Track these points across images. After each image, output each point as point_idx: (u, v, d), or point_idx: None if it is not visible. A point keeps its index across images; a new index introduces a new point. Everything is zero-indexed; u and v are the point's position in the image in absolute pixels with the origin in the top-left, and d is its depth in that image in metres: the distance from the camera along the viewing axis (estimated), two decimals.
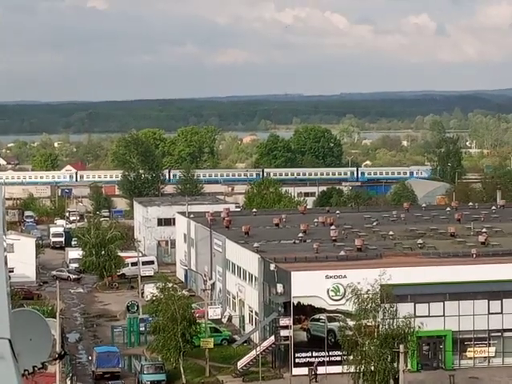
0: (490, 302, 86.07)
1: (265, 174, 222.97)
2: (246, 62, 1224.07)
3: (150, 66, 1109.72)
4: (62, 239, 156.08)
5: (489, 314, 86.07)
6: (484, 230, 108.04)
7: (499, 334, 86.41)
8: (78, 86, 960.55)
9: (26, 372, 6.30)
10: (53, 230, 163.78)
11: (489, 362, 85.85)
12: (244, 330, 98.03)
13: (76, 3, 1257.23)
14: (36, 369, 6.67)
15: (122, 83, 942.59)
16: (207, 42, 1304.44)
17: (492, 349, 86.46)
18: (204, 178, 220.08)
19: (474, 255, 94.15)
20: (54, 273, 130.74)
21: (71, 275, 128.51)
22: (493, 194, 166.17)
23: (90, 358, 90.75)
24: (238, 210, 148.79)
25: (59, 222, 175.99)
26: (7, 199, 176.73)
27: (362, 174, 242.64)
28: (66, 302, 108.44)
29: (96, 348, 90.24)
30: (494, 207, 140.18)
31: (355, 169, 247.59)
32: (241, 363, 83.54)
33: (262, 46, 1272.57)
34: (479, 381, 77.62)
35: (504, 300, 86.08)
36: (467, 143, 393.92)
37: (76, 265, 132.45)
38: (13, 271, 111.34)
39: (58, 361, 70.50)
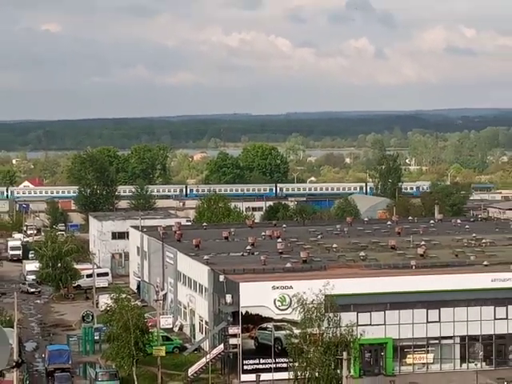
0: (429, 311, 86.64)
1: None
2: (195, 83, 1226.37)
3: (103, 87, 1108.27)
4: (20, 252, 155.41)
5: (427, 322, 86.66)
6: (423, 242, 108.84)
7: (437, 341, 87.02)
8: (33, 105, 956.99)
9: None
10: (10, 243, 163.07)
11: (427, 368, 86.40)
12: (194, 338, 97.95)
13: (30, 26, 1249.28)
14: None
15: (77, 103, 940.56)
16: (157, 64, 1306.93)
17: (430, 355, 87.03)
18: (158, 194, 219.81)
19: (414, 267, 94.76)
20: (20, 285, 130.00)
21: (29, 288, 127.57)
22: (431, 208, 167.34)
23: (42, 355, 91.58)
24: (189, 223, 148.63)
25: (17, 235, 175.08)
26: None
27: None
28: (23, 312, 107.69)
29: (48, 346, 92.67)
30: (432, 221, 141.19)
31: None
32: (191, 370, 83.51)
33: (210, 68, 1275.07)
34: None
35: (442, 309, 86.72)
36: (407, 160, 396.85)
37: (33, 277, 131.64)
38: None
39: (15, 369, 70.07)
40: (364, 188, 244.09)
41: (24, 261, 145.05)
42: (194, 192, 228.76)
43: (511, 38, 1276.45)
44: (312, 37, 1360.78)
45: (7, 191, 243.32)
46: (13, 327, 77.49)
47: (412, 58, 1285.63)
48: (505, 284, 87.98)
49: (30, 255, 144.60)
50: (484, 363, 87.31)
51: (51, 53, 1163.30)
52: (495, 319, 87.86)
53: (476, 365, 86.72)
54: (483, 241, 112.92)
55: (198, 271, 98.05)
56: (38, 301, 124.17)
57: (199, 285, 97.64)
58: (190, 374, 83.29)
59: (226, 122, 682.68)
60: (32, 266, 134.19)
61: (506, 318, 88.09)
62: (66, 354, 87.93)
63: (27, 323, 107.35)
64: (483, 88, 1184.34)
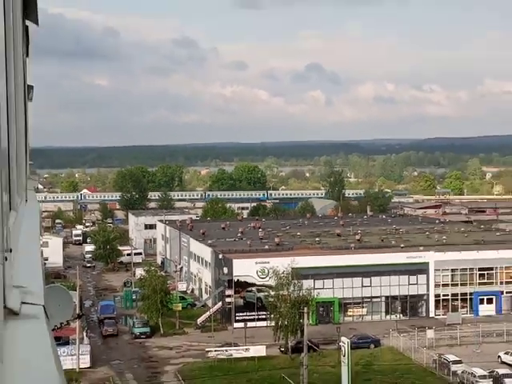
0: (363, 279, 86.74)
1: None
2: (201, 121, 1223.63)
3: (138, 124, 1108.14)
4: (81, 238, 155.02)
5: (362, 286, 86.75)
6: (359, 231, 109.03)
7: (369, 300, 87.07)
8: (92, 136, 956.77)
9: (56, 327, 6.23)
10: (74, 232, 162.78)
11: (362, 318, 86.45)
12: (202, 297, 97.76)
13: (88, 81, 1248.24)
14: (62, 325, 6.63)
15: (120, 134, 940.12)
16: (175, 108, 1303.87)
17: (364, 309, 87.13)
18: (176, 198, 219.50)
19: (353, 248, 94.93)
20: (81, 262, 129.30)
21: (87, 264, 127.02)
22: (365, 207, 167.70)
23: (96, 308, 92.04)
24: (198, 219, 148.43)
25: (78, 226, 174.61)
26: (44, 211, 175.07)
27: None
28: (82, 280, 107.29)
29: (100, 302, 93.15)
30: (365, 216, 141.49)
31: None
32: (200, 320, 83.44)
33: (212, 110, 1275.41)
34: (356, 330, 77.96)
35: (372, 278, 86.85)
36: (348, 175, 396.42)
37: (90, 255, 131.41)
38: (47, 259, 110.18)
39: (77, 319, 69.89)
40: (318, 193, 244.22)
41: (83, 244, 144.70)
42: (211, 196, 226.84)
43: (419, 90, 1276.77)
44: (282, 89, 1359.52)
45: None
46: (75, 290, 77.35)
47: (351, 104, 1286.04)
48: (415, 260, 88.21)
49: (87, 240, 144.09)
50: (401, 315, 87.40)
51: (103, 100, 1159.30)
52: (409, 284, 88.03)
53: (396, 316, 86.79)
54: (400, 230, 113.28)
55: (204, 251, 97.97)
56: (93, 272, 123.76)
57: (205, 261, 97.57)
58: (198, 323, 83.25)
59: (223, 148, 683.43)
60: (89, 247, 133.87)
61: (416, 284, 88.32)
62: (112, 308, 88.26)
63: (86, 287, 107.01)
64: (401, 124, 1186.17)
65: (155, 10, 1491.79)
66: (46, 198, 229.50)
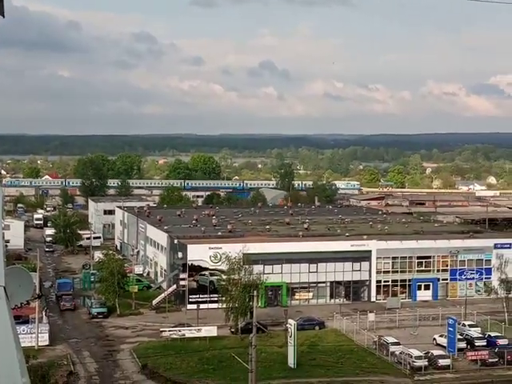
0: (310, 264, 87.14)
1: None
2: (160, 112, 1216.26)
3: (99, 114, 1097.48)
4: (42, 222, 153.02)
5: (309, 272, 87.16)
6: (307, 220, 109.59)
7: (315, 285, 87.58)
8: (54, 125, 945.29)
9: (16, 306, 6.12)
10: (36, 216, 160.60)
11: (308, 302, 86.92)
12: (157, 280, 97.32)
13: (51, 72, 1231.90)
14: (23, 304, 6.52)
15: (82, 124, 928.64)
16: (135, 100, 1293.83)
17: (310, 294, 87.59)
18: (133, 185, 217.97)
19: (301, 236, 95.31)
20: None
21: (46, 248, 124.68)
22: (313, 198, 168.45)
23: (53, 285, 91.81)
24: (155, 205, 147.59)
25: (40, 211, 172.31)
26: (6, 196, 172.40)
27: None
28: (43, 262, 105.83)
29: (57, 280, 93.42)
30: (313, 206, 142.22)
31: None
32: (155, 301, 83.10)
33: (170, 103, 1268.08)
34: (302, 313, 78.42)
35: (318, 264, 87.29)
36: (297, 167, 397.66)
37: (50, 238, 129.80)
38: (9, 242, 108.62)
39: (37, 299, 69.04)
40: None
41: (44, 228, 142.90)
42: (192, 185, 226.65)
43: (365, 89, 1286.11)
44: (237, 85, 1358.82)
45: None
46: (36, 271, 76.41)
47: (301, 101, 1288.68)
48: (359, 248, 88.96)
49: (48, 224, 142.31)
50: (345, 299, 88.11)
51: (65, 90, 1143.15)
52: (353, 271, 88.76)
53: (340, 300, 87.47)
54: (345, 220, 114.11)
55: (160, 236, 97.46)
56: (54, 255, 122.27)
57: (161, 245, 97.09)
58: (153, 304, 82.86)
59: (180, 139, 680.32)
60: (50, 231, 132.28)
61: (360, 270, 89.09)
62: (69, 285, 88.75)
63: (46, 269, 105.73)
64: (348, 121, 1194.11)
65: (116, 6, 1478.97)
66: (8, 182, 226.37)
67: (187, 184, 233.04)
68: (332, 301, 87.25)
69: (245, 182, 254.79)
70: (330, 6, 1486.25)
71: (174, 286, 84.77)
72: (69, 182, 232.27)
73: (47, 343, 67.21)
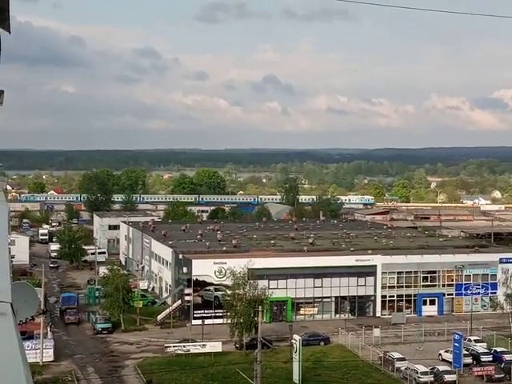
0: (315, 279, 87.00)
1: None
2: (164, 127, 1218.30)
3: (103, 129, 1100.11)
4: (47, 237, 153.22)
5: (314, 287, 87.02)
6: (312, 235, 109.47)
7: (320, 300, 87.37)
8: (59, 140, 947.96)
9: (21, 322, 6.19)
10: (41, 231, 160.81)
11: (313, 317, 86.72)
12: (162, 295, 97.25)
13: (55, 87, 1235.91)
14: (27, 320, 6.59)
15: (86, 139, 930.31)
16: (139, 115, 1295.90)
17: (315, 309, 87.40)
18: (138, 200, 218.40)
19: (306, 251, 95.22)
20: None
21: (51, 264, 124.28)
22: (318, 213, 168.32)
23: (58, 301, 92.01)
24: (160, 220, 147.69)
25: (45, 226, 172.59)
26: (12, 211, 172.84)
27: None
28: (48, 277, 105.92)
29: (62, 294, 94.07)
30: (318, 221, 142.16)
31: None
32: (160, 317, 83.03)
33: (175, 118, 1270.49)
34: (307, 328, 78.26)
35: (323, 279, 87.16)
36: (302, 181, 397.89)
37: (55, 254, 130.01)
38: (14, 257, 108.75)
39: (42, 315, 68.98)
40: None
41: (50, 243, 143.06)
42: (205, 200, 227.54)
43: (368, 103, 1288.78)
44: (241, 99, 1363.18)
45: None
46: (41, 287, 76.43)
47: (305, 115, 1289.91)
48: (364, 263, 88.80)
49: (53, 239, 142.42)
50: (350, 314, 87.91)
51: (70, 105, 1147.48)
52: (357, 285, 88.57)
53: (345, 315, 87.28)
54: (350, 235, 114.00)
55: (165, 251, 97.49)
56: (59, 270, 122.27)
57: (165, 261, 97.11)
58: (158, 319, 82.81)
59: (185, 154, 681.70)
60: (55, 246, 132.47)
61: (365, 285, 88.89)
62: (73, 299, 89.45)
63: (51, 284, 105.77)
64: (352, 135, 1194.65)
65: (119, 22, 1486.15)
66: (13, 198, 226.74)
67: (201, 199, 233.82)
68: (337, 316, 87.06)
69: (258, 196, 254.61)
70: (330, 21, 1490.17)
71: (179, 302, 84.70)
72: (74, 198, 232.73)
73: (52, 359, 67.16)
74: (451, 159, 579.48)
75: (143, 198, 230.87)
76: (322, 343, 73.75)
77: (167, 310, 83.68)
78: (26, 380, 3.33)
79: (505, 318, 79.65)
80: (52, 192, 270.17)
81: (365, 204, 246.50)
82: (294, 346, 61.52)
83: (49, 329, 73.18)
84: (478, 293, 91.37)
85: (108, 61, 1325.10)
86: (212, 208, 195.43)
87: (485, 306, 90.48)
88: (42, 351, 66.54)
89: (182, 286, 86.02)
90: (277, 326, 79.61)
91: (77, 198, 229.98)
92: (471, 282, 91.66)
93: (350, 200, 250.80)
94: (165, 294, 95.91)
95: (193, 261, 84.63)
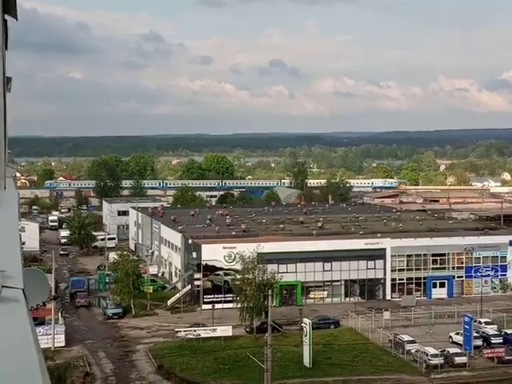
0: (324, 263, 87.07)
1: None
2: (171, 112, 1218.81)
3: (110, 115, 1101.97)
4: (56, 224, 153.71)
5: (323, 271, 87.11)
6: (321, 219, 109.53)
7: (329, 283, 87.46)
8: (67, 126, 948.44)
9: (32, 308, 6.25)
10: (50, 217, 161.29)
11: (323, 301, 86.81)
12: (172, 280, 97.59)
13: (62, 74, 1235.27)
14: (39, 306, 6.64)
15: (94, 125, 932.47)
16: (145, 100, 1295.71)
17: (325, 293, 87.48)
18: (148, 186, 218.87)
19: (315, 234, 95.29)
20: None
21: (61, 252, 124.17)
22: (326, 196, 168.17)
23: (68, 286, 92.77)
24: (169, 206, 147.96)
25: (54, 212, 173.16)
26: (21, 198, 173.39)
27: (225, 183, 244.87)
28: (58, 263, 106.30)
29: (71, 278, 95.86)
30: (327, 205, 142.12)
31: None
32: (170, 301, 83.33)
33: (181, 103, 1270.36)
34: (317, 312, 78.45)
35: (333, 262, 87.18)
36: (311, 165, 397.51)
37: (65, 240, 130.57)
38: (24, 244, 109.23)
39: (52, 301, 69.39)
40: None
41: (59, 229, 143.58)
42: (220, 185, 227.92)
43: (376, 86, 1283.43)
44: (247, 83, 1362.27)
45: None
46: (51, 273, 76.77)
47: (312, 99, 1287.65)
48: (373, 246, 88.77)
49: (63, 226, 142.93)
50: (360, 297, 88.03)
51: (77, 92, 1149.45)
52: (367, 269, 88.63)
53: (355, 299, 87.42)
54: (359, 218, 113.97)
55: (175, 237, 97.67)
56: (69, 257, 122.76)
57: (175, 246, 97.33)
58: (168, 304, 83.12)
59: (193, 139, 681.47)
60: (64, 233, 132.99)
61: (374, 268, 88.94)
62: (82, 282, 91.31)
63: (61, 271, 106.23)
64: (360, 118, 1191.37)
65: (124, 7, 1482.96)
66: (23, 185, 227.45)
67: (224, 184, 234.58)
68: (347, 299, 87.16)
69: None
70: (333, 3, 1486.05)
71: (189, 287, 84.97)
72: (83, 184, 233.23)
73: (63, 344, 67.58)
74: (460, 141, 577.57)
75: (165, 184, 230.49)
76: (332, 326, 73.87)
77: (177, 295, 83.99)
78: (39, 365, 3.35)
79: None
80: (61, 179, 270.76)
81: (388, 188, 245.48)
82: (304, 329, 61.67)
83: (60, 314, 73.63)
84: (488, 275, 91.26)
85: (114, 47, 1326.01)
86: (221, 193, 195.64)
87: (495, 288, 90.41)
88: (53, 337, 66.94)
89: (191, 271, 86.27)
90: (286, 309, 79.77)
91: (86, 184, 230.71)
92: (481, 264, 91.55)
93: (372, 183, 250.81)
94: (175, 279, 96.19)
95: (202, 246, 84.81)
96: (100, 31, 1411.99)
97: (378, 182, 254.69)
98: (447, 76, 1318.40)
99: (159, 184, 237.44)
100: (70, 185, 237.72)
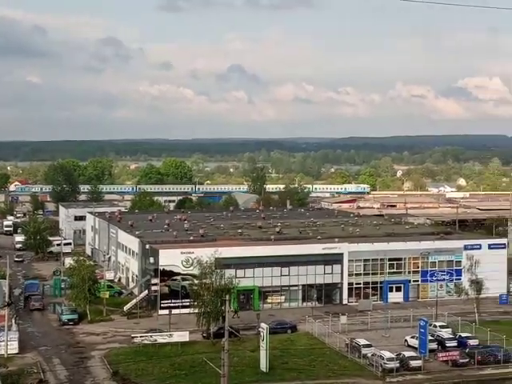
0: (282, 268, 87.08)
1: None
2: (131, 117, 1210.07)
3: (69, 119, 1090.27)
4: (11, 228, 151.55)
5: (281, 275, 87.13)
6: (279, 224, 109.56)
7: (287, 288, 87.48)
8: (23, 130, 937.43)
9: None
10: (5, 222, 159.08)
11: (280, 305, 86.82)
12: (128, 286, 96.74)
13: (18, 78, 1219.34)
14: None
15: (52, 129, 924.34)
16: (105, 104, 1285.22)
17: (282, 297, 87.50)
18: (105, 191, 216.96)
19: (273, 239, 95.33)
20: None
21: (16, 258, 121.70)
22: (285, 201, 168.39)
23: (22, 291, 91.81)
24: (126, 210, 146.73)
25: (9, 217, 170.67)
26: None
27: (199, 188, 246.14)
28: (13, 269, 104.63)
29: (25, 281, 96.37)
30: (285, 210, 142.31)
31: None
32: (126, 307, 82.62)
33: (140, 107, 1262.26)
34: (274, 317, 78.42)
35: (290, 267, 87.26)
36: (269, 171, 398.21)
37: (20, 245, 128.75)
38: None
39: (6, 307, 68.25)
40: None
41: (14, 234, 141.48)
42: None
43: (335, 92, 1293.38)
44: (206, 89, 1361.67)
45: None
46: (5, 278, 75.51)
47: (272, 104, 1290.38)
48: (331, 251, 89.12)
49: (18, 230, 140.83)
50: (317, 302, 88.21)
51: (34, 95, 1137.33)
52: (324, 274, 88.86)
53: (312, 303, 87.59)
54: (317, 223, 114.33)
55: (132, 242, 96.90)
56: (24, 262, 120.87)
57: (132, 251, 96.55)
58: (125, 310, 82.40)
59: (152, 143, 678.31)
60: (20, 238, 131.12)
61: (331, 273, 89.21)
62: (36, 286, 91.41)
63: (16, 276, 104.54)
64: (319, 124, 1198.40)
65: (81, 10, 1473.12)
66: None
67: (198, 189, 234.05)
68: (304, 304, 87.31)
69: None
70: (294, 9, 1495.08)
71: (146, 292, 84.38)
72: (39, 188, 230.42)
73: (17, 351, 66.36)
74: (417, 147, 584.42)
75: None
76: (289, 331, 73.92)
77: (134, 301, 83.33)
78: None
79: (469, 304, 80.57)
80: (17, 183, 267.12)
81: (361, 193, 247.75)
82: (261, 334, 61.52)
83: (13, 321, 72.35)
84: (443, 279, 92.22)
85: (72, 51, 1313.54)
86: (179, 198, 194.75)
87: (450, 292, 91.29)
88: (6, 343, 65.74)
89: (148, 276, 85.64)
90: (244, 314, 79.59)
91: (42, 188, 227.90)
92: (436, 268, 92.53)
93: (345, 189, 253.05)
94: (131, 285, 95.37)
95: (160, 251, 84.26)
96: (57, 35, 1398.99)
97: (351, 188, 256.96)
98: (405, 83, 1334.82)
99: (127, 189, 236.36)
100: (23, 189, 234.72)
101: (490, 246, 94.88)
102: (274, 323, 73.40)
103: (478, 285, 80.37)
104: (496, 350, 65.03)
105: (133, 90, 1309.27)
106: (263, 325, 62.99)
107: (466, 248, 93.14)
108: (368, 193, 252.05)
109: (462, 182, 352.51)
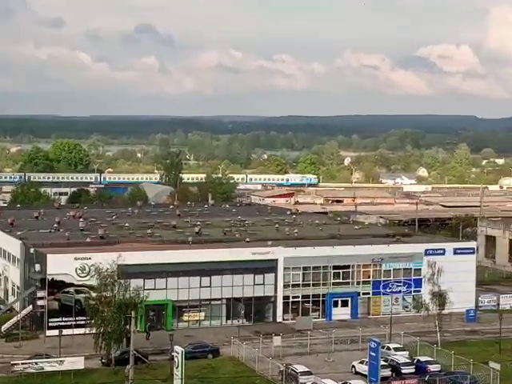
0: (202, 278, 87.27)
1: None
2: (11, 87, 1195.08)
3: None
4: None
5: (200, 287, 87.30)
6: (198, 223, 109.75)
7: (208, 302, 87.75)
8: None
9: None
10: None
11: (199, 324, 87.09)
12: (8, 300, 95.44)
13: None
14: None
15: None
16: None
17: (202, 314, 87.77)
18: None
19: (190, 242, 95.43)
20: None
21: None
22: (206, 195, 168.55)
23: None
24: (5, 205, 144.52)
25: None
26: None
27: (104, 178, 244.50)
28: None
29: None
30: (206, 206, 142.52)
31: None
32: (4, 327, 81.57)
33: (24, 76, 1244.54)
34: (192, 338, 78.64)
35: (212, 277, 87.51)
36: (187, 156, 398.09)
37: None
38: None
39: None
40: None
41: None
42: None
43: (269, 60, 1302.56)
44: (108, 53, 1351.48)
45: None
46: None
47: (190, 74, 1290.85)
48: (262, 257, 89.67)
49: None
50: (245, 320, 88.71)
51: None
52: (254, 285, 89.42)
53: (239, 321, 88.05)
54: (246, 222, 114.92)
55: (12, 244, 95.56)
56: None
57: (12, 256, 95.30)
58: (3, 330, 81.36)
59: (39, 121, 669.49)
60: None
61: (263, 284, 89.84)
62: None
63: None
64: (248, 99, 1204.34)
65: None
66: None
67: (103, 179, 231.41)
68: (229, 322, 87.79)
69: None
70: None
71: (30, 308, 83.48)
72: None
73: None
74: (369, 129, 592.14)
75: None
76: (211, 356, 74.19)
77: (14, 319, 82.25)
78: None
79: (430, 321, 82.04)
80: None
81: (309, 185, 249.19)
82: (176, 359, 61.59)
83: None
84: (400, 291, 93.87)
85: None
86: (73, 189, 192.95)
87: (407, 306, 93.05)
88: None
89: (33, 288, 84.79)
90: (154, 335, 79.54)
91: None
92: (391, 278, 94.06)
93: (287, 180, 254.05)
94: (11, 299, 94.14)
95: (48, 256, 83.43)
96: None
97: (295, 179, 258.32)
98: (354, 50, 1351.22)
99: (7, 177, 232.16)
100: None
101: (455, 251, 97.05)
102: (192, 346, 73.57)
103: (440, 298, 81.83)
104: (461, 377, 66.47)
105: (15, 53, 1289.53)
106: (178, 348, 63.07)
107: (426, 253, 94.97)
108: (316, 185, 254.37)
109: (422, 172, 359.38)
